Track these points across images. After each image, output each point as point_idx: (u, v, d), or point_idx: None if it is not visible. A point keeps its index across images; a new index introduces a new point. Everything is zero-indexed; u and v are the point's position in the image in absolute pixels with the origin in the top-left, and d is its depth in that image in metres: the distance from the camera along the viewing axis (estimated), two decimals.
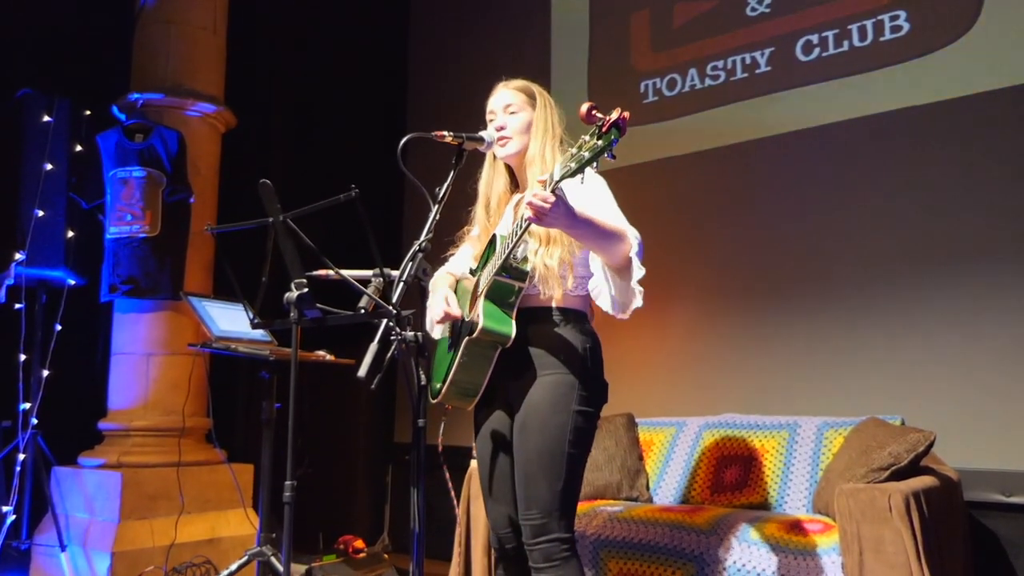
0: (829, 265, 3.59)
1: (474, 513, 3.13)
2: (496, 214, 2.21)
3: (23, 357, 3.75)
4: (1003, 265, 3.15)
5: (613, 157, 1.64)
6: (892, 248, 3.42)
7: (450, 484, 2.15)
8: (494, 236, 2.04)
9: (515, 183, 2.25)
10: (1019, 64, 3.20)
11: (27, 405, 3.67)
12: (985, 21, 3.30)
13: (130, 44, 4.16)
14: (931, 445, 2.57)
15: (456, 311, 2.05)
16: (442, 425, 2.10)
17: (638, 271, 1.94)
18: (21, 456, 3.59)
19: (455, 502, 2.23)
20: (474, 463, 2.96)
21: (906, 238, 3.39)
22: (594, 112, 1.63)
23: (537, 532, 1.94)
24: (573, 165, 1.68)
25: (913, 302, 3.33)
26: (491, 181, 2.23)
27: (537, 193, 1.74)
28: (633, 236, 1.95)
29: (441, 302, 2.04)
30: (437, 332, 2.11)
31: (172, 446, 3.73)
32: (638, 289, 1.95)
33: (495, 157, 2.21)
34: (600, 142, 1.63)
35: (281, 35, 5.18)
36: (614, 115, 1.61)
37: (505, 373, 2.03)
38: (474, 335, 1.93)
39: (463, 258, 2.27)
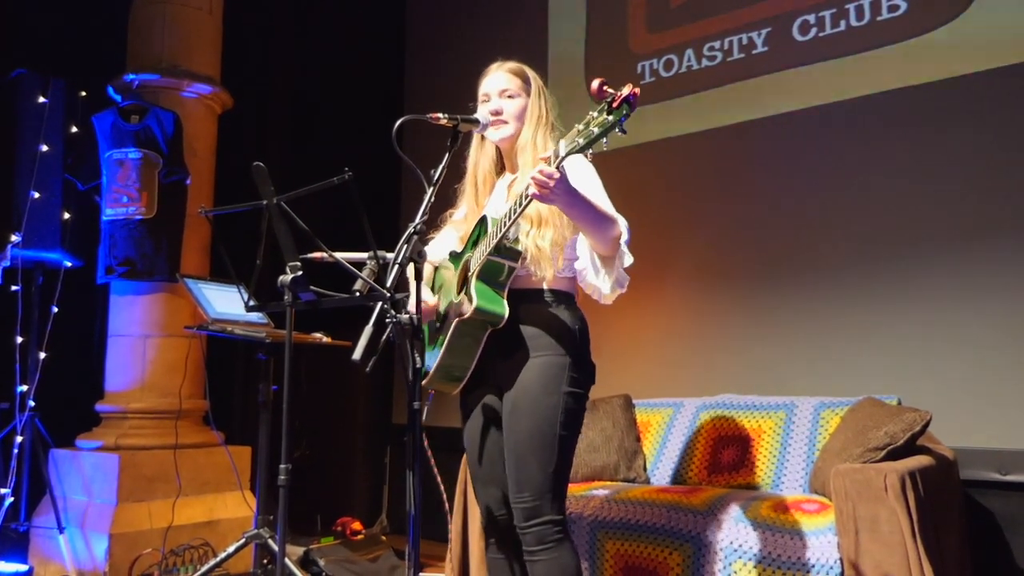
0: (826, 245, 3.59)
1: (471, 496, 3.14)
2: (483, 194, 2.21)
3: (20, 339, 3.74)
4: (1000, 244, 3.15)
5: (624, 132, 1.64)
6: (890, 227, 3.42)
7: (433, 466, 2.15)
8: (484, 217, 2.03)
9: (502, 164, 2.25)
10: (1016, 43, 3.19)
11: (24, 387, 3.67)
12: (981, 1, 3.28)
13: (126, 24, 4.12)
14: (927, 424, 2.58)
15: (432, 301, 2.09)
16: (424, 409, 2.10)
17: (628, 258, 1.96)
18: (19, 438, 3.59)
19: (440, 484, 2.23)
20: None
21: (904, 217, 3.39)
22: (605, 88, 1.63)
23: (529, 515, 1.93)
24: (581, 141, 1.68)
25: (909, 282, 3.34)
26: (478, 161, 2.23)
27: (543, 169, 1.74)
28: (623, 223, 1.96)
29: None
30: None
31: (169, 428, 3.73)
32: (625, 277, 1.98)
33: (483, 137, 2.21)
34: (611, 117, 1.63)
35: (278, 16, 5.15)
36: (625, 90, 1.61)
37: (496, 354, 2.02)
38: (467, 315, 1.92)
39: (444, 242, 2.25)
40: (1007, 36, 3.21)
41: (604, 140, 1.66)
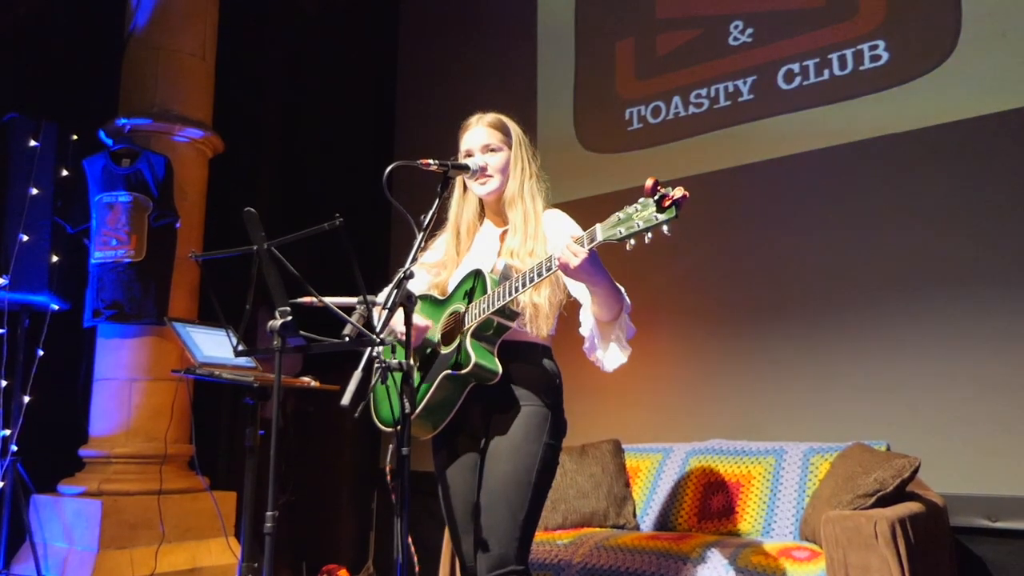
0: (813, 290, 3.61)
1: None
2: (465, 242, 2.23)
3: (4, 383, 3.71)
4: (986, 290, 3.17)
5: (669, 233, 1.66)
6: (876, 273, 3.44)
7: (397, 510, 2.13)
8: (479, 271, 2.03)
9: (483, 213, 2.27)
10: (995, 93, 3.25)
11: (7, 431, 3.62)
12: (962, 51, 3.36)
13: (118, 69, 4.17)
14: (916, 471, 2.58)
15: (423, 322, 2.09)
16: (391, 450, 2.10)
17: (630, 328, 2.00)
18: (0, 484, 3.54)
19: (408, 538, 2.19)
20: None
21: (890, 264, 3.42)
22: (659, 187, 1.65)
23: (494, 564, 1.92)
24: (622, 231, 1.69)
25: (897, 327, 3.35)
26: (461, 211, 2.25)
27: (570, 246, 1.78)
28: (625, 294, 2.00)
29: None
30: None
31: (154, 473, 3.69)
32: (627, 347, 2.01)
33: (466, 187, 2.23)
34: (659, 216, 1.65)
35: (270, 62, 5.21)
36: (678, 193, 1.63)
37: (478, 403, 2.03)
38: (464, 371, 1.93)
39: (413, 284, 2.25)
40: (987, 85, 3.28)
41: (647, 236, 1.67)
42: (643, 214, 1.67)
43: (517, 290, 1.90)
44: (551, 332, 2.09)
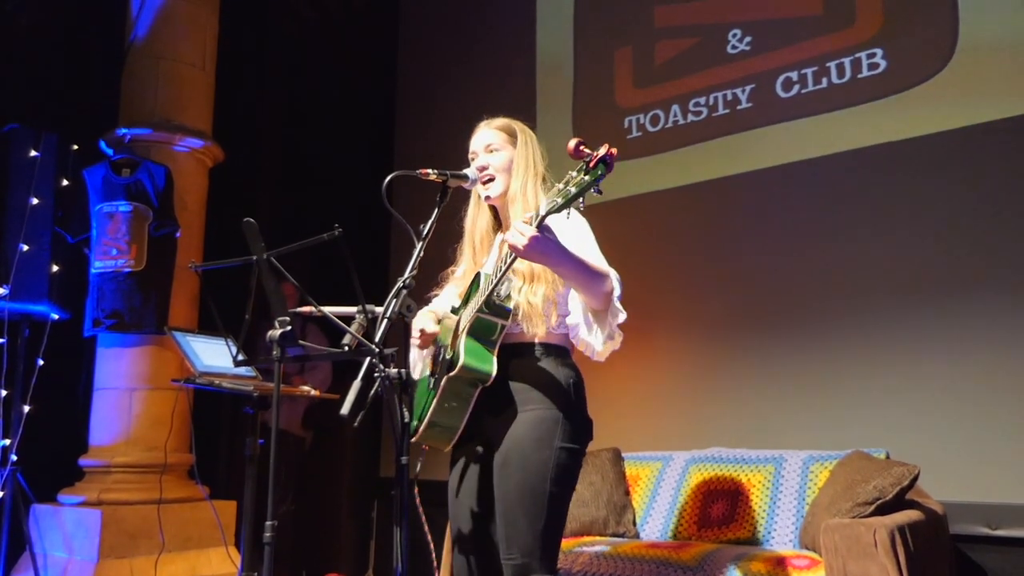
0: (812, 298, 3.61)
1: None
2: (481, 252, 2.22)
3: (4, 392, 3.70)
4: (986, 297, 3.18)
5: (599, 192, 1.66)
6: (875, 281, 3.45)
7: (424, 519, 2.13)
8: (478, 274, 2.04)
9: (499, 221, 2.25)
10: (992, 101, 3.26)
11: (7, 441, 3.62)
12: (959, 60, 3.37)
13: (119, 79, 4.18)
14: (916, 478, 2.58)
15: (431, 328, 2.08)
16: (419, 464, 2.08)
17: (621, 315, 1.94)
18: (0, 493, 3.53)
19: (429, 539, 2.20)
20: None
21: (888, 271, 3.42)
22: (582, 148, 1.64)
23: (518, 573, 1.90)
24: (560, 200, 1.69)
25: (896, 335, 3.36)
26: (476, 219, 2.24)
27: (516, 226, 1.76)
28: (615, 278, 1.95)
29: (416, 330, 2.05)
30: (417, 372, 2.10)
31: (153, 483, 3.68)
32: (618, 333, 1.95)
33: (480, 195, 2.22)
34: (587, 177, 1.64)
35: (269, 71, 5.23)
36: (601, 151, 1.62)
37: (486, 410, 2.00)
38: (454, 372, 1.92)
39: (447, 298, 2.26)
40: (984, 94, 3.29)
41: (581, 200, 1.67)
42: (577, 179, 1.67)
43: (492, 284, 1.89)
44: (558, 330, 2.04)
